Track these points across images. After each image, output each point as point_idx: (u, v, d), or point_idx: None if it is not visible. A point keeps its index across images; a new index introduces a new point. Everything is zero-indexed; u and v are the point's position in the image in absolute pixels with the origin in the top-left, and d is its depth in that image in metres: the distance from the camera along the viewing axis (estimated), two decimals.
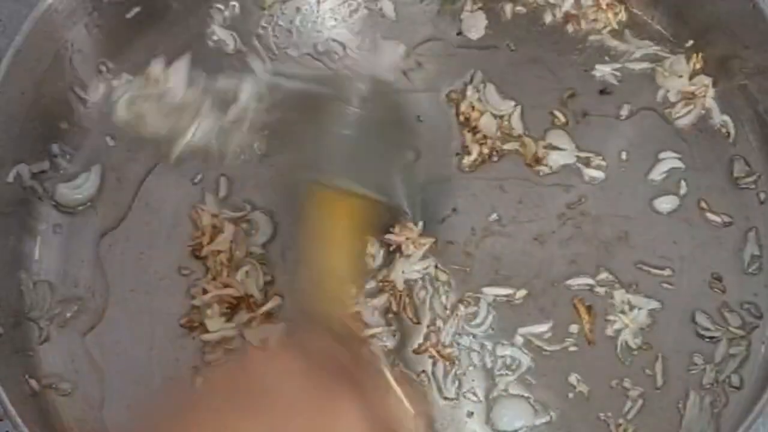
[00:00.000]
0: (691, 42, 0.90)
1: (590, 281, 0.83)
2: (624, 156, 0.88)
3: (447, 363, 0.81)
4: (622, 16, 0.92)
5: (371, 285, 0.83)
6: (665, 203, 0.86)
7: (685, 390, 0.80)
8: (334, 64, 0.92)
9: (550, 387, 0.80)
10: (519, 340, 0.82)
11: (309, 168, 0.80)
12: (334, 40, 0.93)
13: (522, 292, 0.83)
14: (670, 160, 0.87)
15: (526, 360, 0.81)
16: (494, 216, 0.86)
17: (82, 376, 0.82)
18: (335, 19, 0.94)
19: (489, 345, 0.82)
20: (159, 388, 0.81)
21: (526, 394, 0.80)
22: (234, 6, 0.93)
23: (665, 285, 0.84)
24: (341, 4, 0.94)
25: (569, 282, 0.83)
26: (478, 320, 0.83)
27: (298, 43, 0.93)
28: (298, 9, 0.94)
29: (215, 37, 0.92)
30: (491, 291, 0.83)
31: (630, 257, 0.84)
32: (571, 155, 0.88)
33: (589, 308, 0.82)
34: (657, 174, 0.87)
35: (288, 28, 0.93)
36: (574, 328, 0.82)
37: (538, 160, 0.87)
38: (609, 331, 0.82)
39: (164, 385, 0.81)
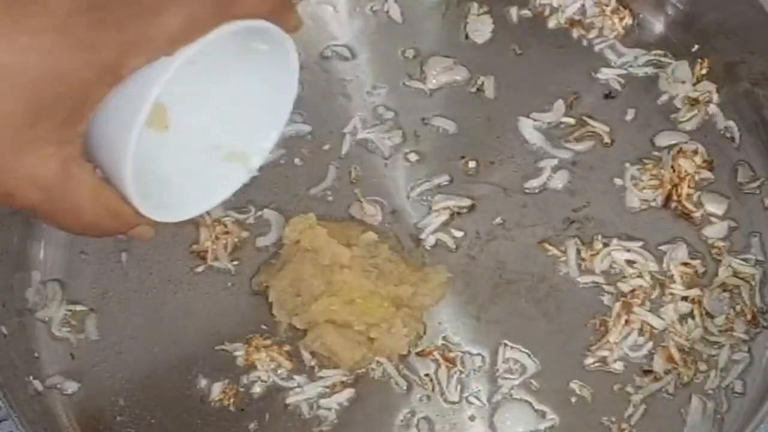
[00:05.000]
0: (696, 47, 0.90)
1: (594, 286, 0.83)
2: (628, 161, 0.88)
3: (451, 366, 0.81)
4: (627, 21, 0.93)
5: None
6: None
7: (688, 395, 0.80)
8: (339, 69, 0.92)
9: (553, 391, 0.80)
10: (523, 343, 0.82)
11: None
12: (339, 45, 0.93)
13: None
14: None
15: (531, 364, 0.81)
16: (498, 220, 0.86)
17: (86, 377, 0.82)
18: (340, 23, 0.94)
19: (493, 349, 0.82)
20: (165, 390, 0.81)
21: (529, 399, 0.80)
22: None
23: None
24: (346, 7, 0.94)
25: (573, 286, 0.83)
26: None
27: (302, 47, 0.92)
28: (301, 13, 0.93)
29: None
30: None
31: None
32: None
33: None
34: None
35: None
36: (576, 332, 0.82)
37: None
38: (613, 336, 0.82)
39: (170, 387, 0.81)
